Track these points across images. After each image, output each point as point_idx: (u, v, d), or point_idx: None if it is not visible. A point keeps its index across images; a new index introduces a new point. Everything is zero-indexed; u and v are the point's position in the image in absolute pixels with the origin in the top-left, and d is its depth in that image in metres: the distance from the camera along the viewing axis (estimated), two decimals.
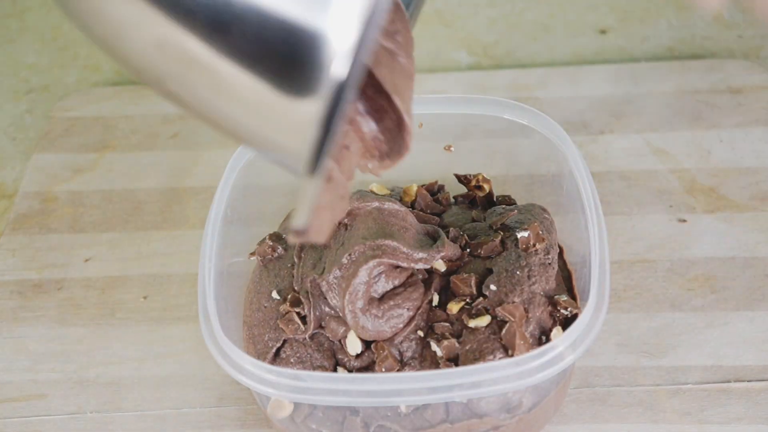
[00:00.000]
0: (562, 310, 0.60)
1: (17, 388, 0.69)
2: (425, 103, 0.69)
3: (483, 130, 0.70)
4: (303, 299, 0.62)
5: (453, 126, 0.70)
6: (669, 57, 0.89)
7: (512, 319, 0.58)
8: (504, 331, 0.58)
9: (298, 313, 0.62)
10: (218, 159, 0.78)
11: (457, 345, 0.59)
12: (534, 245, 0.63)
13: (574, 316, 0.60)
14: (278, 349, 0.62)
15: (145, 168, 0.83)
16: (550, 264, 0.63)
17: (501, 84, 0.87)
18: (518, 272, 0.61)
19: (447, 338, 0.59)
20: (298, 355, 0.61)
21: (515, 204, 0.69)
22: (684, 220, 0.75)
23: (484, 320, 0.59)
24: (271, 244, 0.66)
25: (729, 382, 0.66)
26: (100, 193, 0.81)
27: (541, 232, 0.63)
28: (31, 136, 0.87)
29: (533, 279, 0.61)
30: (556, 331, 0.59)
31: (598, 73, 0.87)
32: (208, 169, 0.82)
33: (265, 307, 0.64)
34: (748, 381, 0.66)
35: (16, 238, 0.78)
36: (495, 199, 0.70)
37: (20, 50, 0.96)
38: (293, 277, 0.64)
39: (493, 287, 0.61)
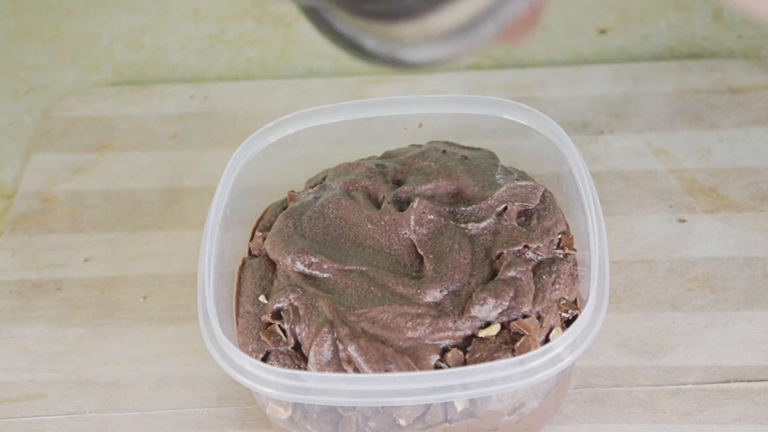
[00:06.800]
0: (563, 314, 0.60)
1: (17, 388, 0.69)
2: (425, 103, 0.69)
3: (483, 130, 0.70)
4: (283, 314, 0.60)
5: (453, 126, 0.70)
6: (669, 57, 0.89)
7: (527, 333, 0.57)
8: (518, 344, 0.57)
9: (279, 326, 0.60)
10: (218, 159, 0.78)
11: (461, 354, 0.57)
12: (564, 248, 0.62)
13: (575, 317, 0.60)
14: (263, 361, 0.60)
15: (145, 168, 0.83)
16: (576, 276, 0.61)
17: (501, 84, 0.86)
18: (544, 276, 0.60)
19: (449, 350, 0.58)
20: (285, 367, 0.59)
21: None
22: (684, 220, 0.75)
23: (494, 329, 0.58)
24: (260, 234, 0.65)
25: (729, 382, 0.66)
26: (99, 193, 0.81)
27: (570, 237, 0.62)
28: (30, 136, 0.87)
29: (557, 287, 0.60)
30: (555, 332, 0.59)
31: (598, 73, 0.87)
32: (208, 169, 0.81)
33: (248, 312, 0.62)
34: (748, 381, 0.66)
35: (15, 238, 0.78)
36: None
37: (20, 50, 0.95)
38: (273, 283, 0.62)
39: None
